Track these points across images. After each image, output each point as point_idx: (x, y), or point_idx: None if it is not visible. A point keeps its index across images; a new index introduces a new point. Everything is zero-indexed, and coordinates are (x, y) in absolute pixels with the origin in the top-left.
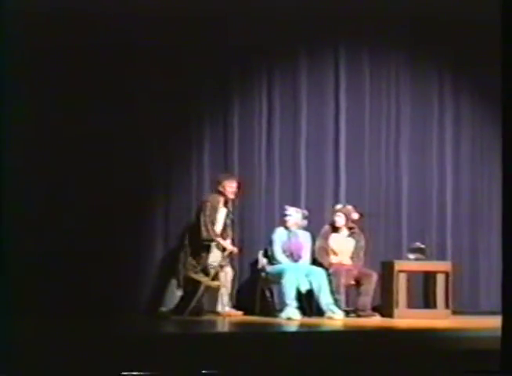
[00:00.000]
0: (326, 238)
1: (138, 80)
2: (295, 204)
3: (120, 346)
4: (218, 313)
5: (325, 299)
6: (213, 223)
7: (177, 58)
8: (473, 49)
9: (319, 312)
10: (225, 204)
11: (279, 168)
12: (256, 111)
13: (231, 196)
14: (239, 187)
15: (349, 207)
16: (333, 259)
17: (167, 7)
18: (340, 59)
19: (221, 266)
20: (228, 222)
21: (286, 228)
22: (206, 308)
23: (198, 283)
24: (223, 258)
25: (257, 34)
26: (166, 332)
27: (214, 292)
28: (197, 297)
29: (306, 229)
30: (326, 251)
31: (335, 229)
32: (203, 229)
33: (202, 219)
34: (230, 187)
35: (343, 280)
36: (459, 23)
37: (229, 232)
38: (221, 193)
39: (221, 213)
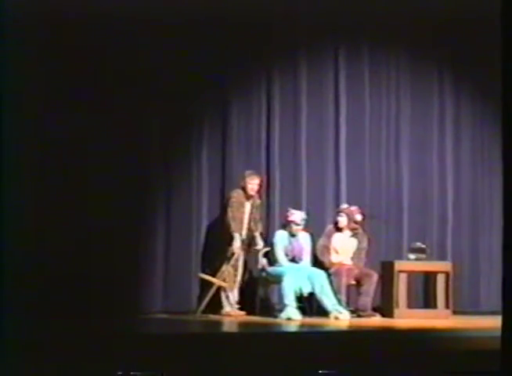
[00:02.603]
0: (329, 237)
1: (138, 80)
2: (295, 204)
3: (120, 346)
4: (221, 313)
5: (330, 301)
6: (240, 218)
7: (177, 58)
8: (473, 49)
9: (322, 313)
10: (248, 199)
11: (279, 168)
12: (256, 111)
13: (251, 192)
14: (260, 185)
15: (353, 208)
16: (334, 258)
17: (167, 8)
18: (340, 59)
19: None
20: (254, 217)
21: (291, 233)
22: (211, 307)
23: (209, 282)
24: (229, 258)
25: (257, 34)
26: (166, 332)
27: (222, 292)
28: (209, 296)
29: (306, 229)
30: (327, 249)
31: (338, 228)
32: (230, 222)
33: (229, 213)
34: (251, 184)
35: (344, 280)
36: (459, 22)
37: (256, 227)
38: (244, 189)
39: (247, 208)
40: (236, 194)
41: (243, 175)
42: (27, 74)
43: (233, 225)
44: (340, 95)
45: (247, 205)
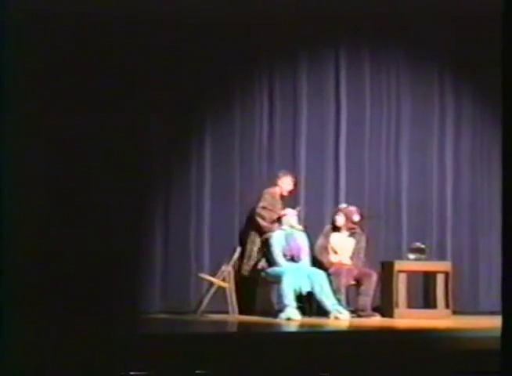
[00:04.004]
0: (327, 236)
1: (139, 80)
2: (295, 204)
3: (120, 346)
4: (221, 313)
5: (330, 300)
6: (273, 211)
7: (177, 58)
8: (473, 50)
9: (322, 313)
10: (282, 198)
11: (279, 168)
12: (257, 111)
13: (285, 192)
14: (295, 185)
15: (352, 208)
16: (333, 258)
17: (168, 7)
18: (340, 59)
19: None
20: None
21: (289, 228)
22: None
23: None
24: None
25: (258, 34)
26: (166, 332)
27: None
28: (209, 296)
29: (304, 228)
30: (326, 249)
31: (336, 228)
32: (259, 219)
33: (258, 209)
34: (286, 183)
35: (343, 280)
36: (460, 22)
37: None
38: (279, 188)
39: (279, 205)
40: (271, 190)
41: (279, 174)
42: (27, 75)
43: (264, 222)
44: (340, 96)
45: (279, 204)
